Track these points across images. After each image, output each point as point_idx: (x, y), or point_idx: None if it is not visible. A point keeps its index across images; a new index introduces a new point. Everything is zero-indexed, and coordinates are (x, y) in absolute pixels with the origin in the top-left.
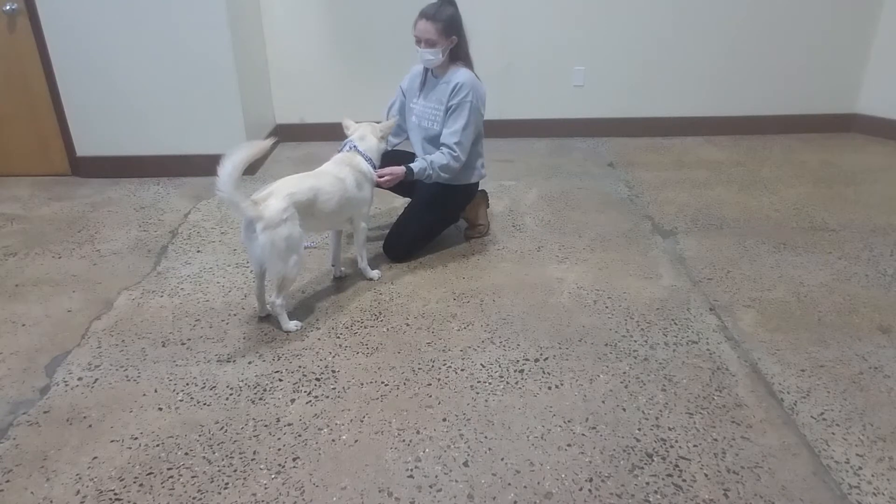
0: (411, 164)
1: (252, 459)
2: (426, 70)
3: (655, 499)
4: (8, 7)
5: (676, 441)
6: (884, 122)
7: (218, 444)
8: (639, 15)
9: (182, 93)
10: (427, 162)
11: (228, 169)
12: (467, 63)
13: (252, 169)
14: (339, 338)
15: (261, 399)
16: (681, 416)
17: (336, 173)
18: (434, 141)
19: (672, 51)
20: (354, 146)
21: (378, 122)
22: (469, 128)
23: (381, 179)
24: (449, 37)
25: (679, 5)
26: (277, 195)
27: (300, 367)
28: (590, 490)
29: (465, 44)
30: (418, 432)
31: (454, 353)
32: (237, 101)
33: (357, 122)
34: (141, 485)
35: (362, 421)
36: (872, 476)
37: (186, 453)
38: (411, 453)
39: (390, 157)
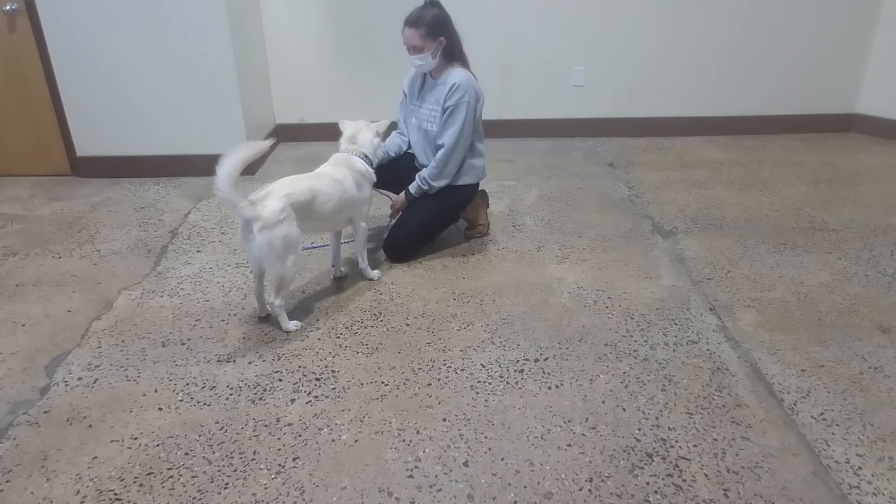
0: (409, 187)
1: (252, 459)
2: (424, 73)
3: (655, 499)
4: (8, 7)
5: (676, 441)
6: (884, 122)
7: (218, 444)
8: (639, 15)
9: (182, 93)
10: (421, 179)
11: (227, 169)
12: (463, 61)
13: (251, 169)
14: (339, 338)
15: (261, 399)
16: (681, 416)
17: (334, 174)
18: (433, 142)
19: (672, 51)
20: (347, 151)
21: (375, 122)
22: (466, 128)
23: (395, 212)
24: (436, 38)
25: (679, 5)
26: (275, 196)
27: (300, 367)
28: (590, 490)
29: (458, 42)
30: (418, 432)
31: (454, 353)
32: (237, 101)
33: (353, 121)
34: (141, 485)
35: (362, 421)
36: (872, 476)
37: (186, 453)
38: (411, 453)
39: (402, 163)
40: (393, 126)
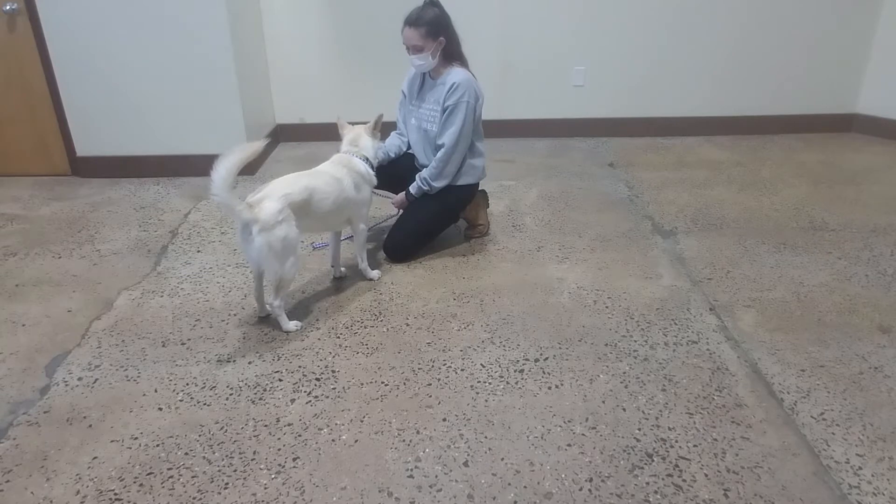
0: (409, 187)
1: (252, 459)
2: (423, 73)
3: (655, 499)
4: (8, 7)
5: (676, 441)
6: (884, 122)
7: (218, 444)
8: (639, 15)
9: (182, 93)
10: (421, 180)
11: (222, 173)
12: (462, 62)
13: (251, 169)
14: (339, 338)
15: (261, 399)
16: (681, 416)
17: (333, 173)
18: (434, 142)
19: (672, 51)
20: (349, 153)
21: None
22: (466, 128)
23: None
24: (436, 38)
25: (679, 5)
26: (272, 197)
27: (300, 367)
28: (590, 490)
29: (457, 42)
30: (418, 432)
31: (454, 353)
32: (237, 101)
33: (352, 124)
34: (141, 485)
35: (362, 421)
36: (872, 476)
37: (186, 453)
38: (411, 453)
39: (402, 163)
40: (391, 126)
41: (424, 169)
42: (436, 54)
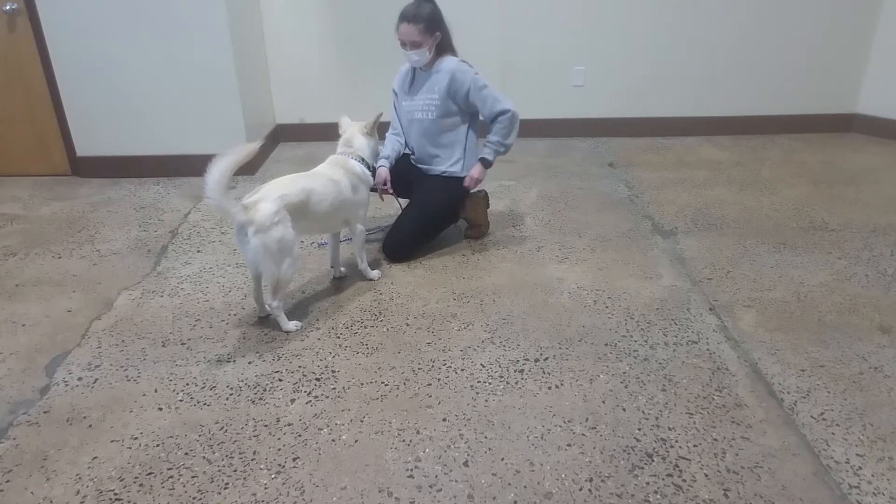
0: (483, 155)
1: (252, 459)
2: (413, 68)
3: (655, 499)
4: (8, 7)
5: (676, 441)
6: (884, 122)
7: (218, 444)
8: (639, 15)
9: (182, 93)
10: (493, 143)
11: (216, 175)
12: (452, 53)
13: (251, 169)
14: (339, 338)
15: (261, 399)
16: (681, 416)
17: (330, 175)
18: (429, 132)
19: (672, 51)
20: (344, 154)
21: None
22: (493, 89)
23: (470, 185)
24: (433, 34)
25: (679, 6)
26: (268, 198)
27: (300, 367)
28: (590, 490)
29: (449, 36)
30: (418, 432)
31: (454, 353)
32: (237, 101)
33: (352, 122)
34: (141, 485)
35: (362, 421)
36: (872, 476)
37: (186, 453)
38: (411, 453)
39: (400, 164)
40: (386, 126)
41: (489, 136)
42: (432, 49)
